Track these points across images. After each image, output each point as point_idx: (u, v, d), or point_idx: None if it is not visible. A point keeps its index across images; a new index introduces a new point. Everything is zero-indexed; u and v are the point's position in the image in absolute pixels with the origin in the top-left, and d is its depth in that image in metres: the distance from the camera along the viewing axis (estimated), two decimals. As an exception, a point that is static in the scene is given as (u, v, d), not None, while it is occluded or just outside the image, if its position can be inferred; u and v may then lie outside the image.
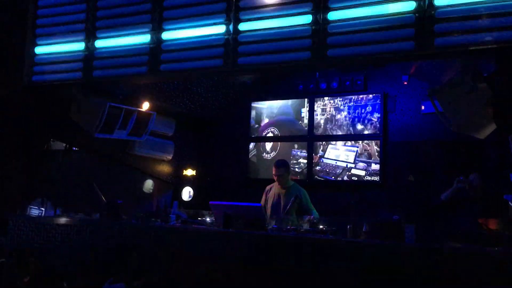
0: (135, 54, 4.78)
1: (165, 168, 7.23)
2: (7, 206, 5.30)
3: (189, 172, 7.42)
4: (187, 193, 7.34)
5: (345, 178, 6.58)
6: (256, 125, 7.32)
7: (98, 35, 4.94)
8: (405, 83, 6.31)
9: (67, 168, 5.95)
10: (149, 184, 7.25)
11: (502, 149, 5.03)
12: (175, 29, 4.61)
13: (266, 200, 5.64)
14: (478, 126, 4.42)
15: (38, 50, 5.27)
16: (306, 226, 4.71)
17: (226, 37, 4.37)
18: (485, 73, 4.13)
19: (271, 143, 7.20)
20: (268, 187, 5.73)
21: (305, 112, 7.00)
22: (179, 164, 7.38)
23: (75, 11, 5.10)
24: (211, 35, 4.44)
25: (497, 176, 5.49)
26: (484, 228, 3.87)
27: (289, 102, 7.13)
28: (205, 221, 4.99)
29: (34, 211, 5.73)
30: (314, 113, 6.91)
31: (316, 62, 4.07)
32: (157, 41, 4.66)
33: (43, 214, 5.74)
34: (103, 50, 4.92)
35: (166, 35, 4.64)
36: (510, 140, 4.40)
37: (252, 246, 3.99)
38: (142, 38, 4.73)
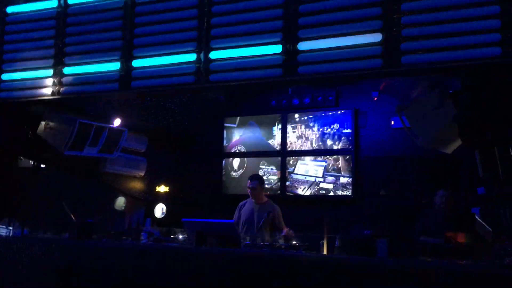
0: (106, 72, 4.75)
1: (137, 185, 7.13)
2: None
3: (162, 188, 7.34)
4: (160, 210, 7.25)
5: (314, 192, 6.62)
6: (226, 144, 7.35)
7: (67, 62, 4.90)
8: (375, 99, 6.43)
9: (36, 186, 5.81)
10: (121, 201, 7.14)
11: (470, 163, 5.14)
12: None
13: (239, 216, 5.61)
14: (444, 141, 4.52)
15: (6, 68, 5.18)
16: (279, 242, 4.71)
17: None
18: (451, 90, 4.24)
19: (238, 160, 7.21)
20: (241, 203, 5.71)
21: (276, 130, 7.05)
22: (151, 180, 7.29)
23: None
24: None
25: (465, 190, 5.62)
26: (453, 241, 3.94)
27: (258, 119, 7.18)
28: (177, 238, 4.93)
29: (2, 231, 5.56)
30: (287, 129, 6.97)
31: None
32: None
33: (10, 234, 5.57)
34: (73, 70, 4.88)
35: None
36: (477, 155, 4.52)
37: (224, 263, 3.96)
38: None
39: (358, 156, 6.53)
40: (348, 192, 6.46)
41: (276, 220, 5.25)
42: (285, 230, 4.99)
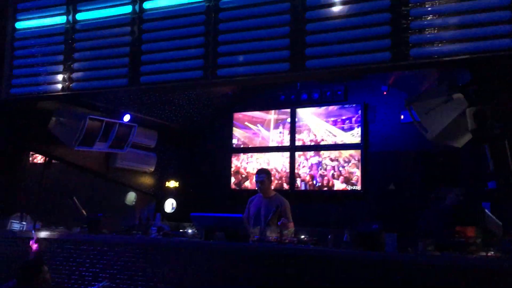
0: (115, 67, 4.78)
1: (147, 180, 7.19)
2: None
3: (172, 184, 7.39)
4: (170, 205, 7.30)
5: (325, 188, 6.62)
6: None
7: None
8: (385, 93, 6.38)
9: (47, 181, 5.87)
10: (131, 196, 7.20)
11: (480, 158, 5.10)
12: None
13: (248, 211, 5.63)
14: (454, 135, 4.48)
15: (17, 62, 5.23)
16: (288, 237, 4.70)
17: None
18: (460, 83, 4.20)
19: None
20: (251, 198, 5.72)
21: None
22: (161, 176, 7.34)
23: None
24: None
25: (475, 185, 5.57)
26: (462, 236, 3.91)
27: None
28: (186, 233, 4.96)
29: (15, 225, 5.63)
30: (295, 123, 6.96)
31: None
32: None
33: (24, 229, 5.64)
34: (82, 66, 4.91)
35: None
36: (487, 149, 4.48)
37: (232, 257, 3.98)
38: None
39: (367, 151, 6.50)
40: (357, 187, 6.44)
41: (283, 214, 5.24)
42: (282, 219, 4.98)
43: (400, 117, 6.33)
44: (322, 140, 6.76)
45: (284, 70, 4.14)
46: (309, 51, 4.07)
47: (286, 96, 7.04)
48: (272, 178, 5.91)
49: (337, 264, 3.74)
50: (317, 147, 6.80)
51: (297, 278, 3.76)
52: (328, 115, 6.76)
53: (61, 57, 4.98)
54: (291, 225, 5.05)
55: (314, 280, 3.72)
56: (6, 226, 5.40)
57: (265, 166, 6.81)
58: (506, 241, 3.72)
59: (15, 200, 5.81)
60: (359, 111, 6.56)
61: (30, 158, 6.33)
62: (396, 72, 5.36)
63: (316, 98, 6.84)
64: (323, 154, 6.72)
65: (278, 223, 4.90)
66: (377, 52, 3.87)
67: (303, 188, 6.80)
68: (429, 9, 3.75)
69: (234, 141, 7.32)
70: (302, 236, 4.65)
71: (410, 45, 3.78)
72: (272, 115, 7.16)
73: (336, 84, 6.72)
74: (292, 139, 6.96)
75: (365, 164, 6.46)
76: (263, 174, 5.50)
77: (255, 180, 5.55)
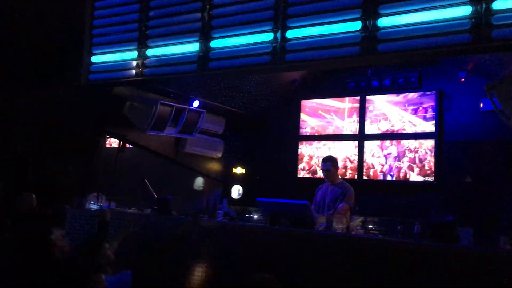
0: (186, 53, 4.87)
1: (214, 166, 7.32)
2: (65, 199, 5.55)
3: (238, 170, 7.47)
4: (236, 191, 7.39)
5: (395, 178, 6.39)
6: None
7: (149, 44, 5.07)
8: (463, 80, 6.03)
9: (121, 164, 6.14)
10: (199, 181, 7.37)
11: None
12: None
13: (315, 199, 5.57)
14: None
15: (95, 51, 5.48)
16: (355, 226, 4.60)
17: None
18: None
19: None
20: (319, 187, 5.66)
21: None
22: (228, 162, 7.44)
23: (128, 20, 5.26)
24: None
25: None
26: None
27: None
28: (252, 218, 4.99)
29: (92, 205, 5.95)
30: (365, 111, 6.76)
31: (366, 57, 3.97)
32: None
33: (99, 208, 5.95)
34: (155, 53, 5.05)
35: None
36: None
37: (298, 244, 3.95)
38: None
39: (442, 141, 6.18)
40: (430, 178, 6.16)
41: (345, 200, 5.12)
42: (340, 204, 4.85)
43: (479, 105, 5.95)
44: (402, 129, 6.49)
45: (355, 54, 4.01)
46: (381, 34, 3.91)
47: (356, 83, 6.84)
48: (340, 166, 5.78)
49: (405, 255, 3.59)
50: (388, 136, 6.57)
51: (361, 267, 3.66)
52: (406, 103, 6.48)
53: (135, 44, 5.15)
54: (347, 210, 4.93)
55: (377, 270, 3.60)
56: (84, 206, 5.71)
57: (335, 155, 6.69)
58: None
59: (92, 181, 6.12)
60: (434, 99, 6.24)
61: (106, 142, 6.64)
62: (475, 57, 5.04)
63: (388, 85, 6.59)
64: (400, 143, 6.46)
65: (336, 206, 4.81)
66: (456, 34, 3.64)
67: (375, 177, 6.60)
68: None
69: (308, 129, 7.23)
70: (370, 226, 4.53)
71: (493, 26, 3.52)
72: (346, 104, 6.99)
73: (410, 70, 6.43)
74: (361, 127, 6.77)
75: (440, 154, 6.15)
76: (329, 162, 5.41)
77: (321, 169, 5.48)
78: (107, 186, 5.98)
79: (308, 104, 7.25)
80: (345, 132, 6.93)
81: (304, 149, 7.22)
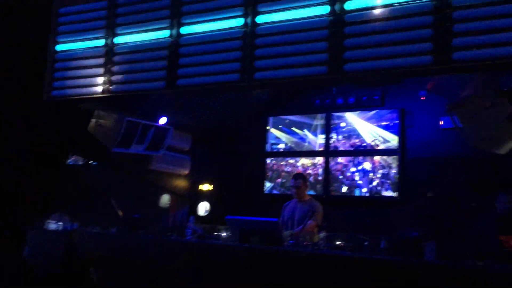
0: (153, 70, 4.86)
1: (181, 183, 7.25)
2: (25, 219, 5.36)
3: (206, 186, 7.42)
4: (203, 208, 7.33)
5: (360, 194, 6.52)
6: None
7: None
8: (423, 98, 6.24)
9: (85, 182, 6.00)
10: (165, 199, 7.28)
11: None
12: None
13: (283, 216, 5.59)
14: (498, 141, 4.34)
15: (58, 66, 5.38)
16: (322, 242, 4.64)
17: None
18: (505, 88, 4.06)
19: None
20: (285, 204, 5.69)
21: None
22: (195, 178, 7.40)
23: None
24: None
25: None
26: (505, 245, 3.76)
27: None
28: (220, 236, 4.96)
29: (52, 225, 5.77)
30: (330, 128, 6.89)
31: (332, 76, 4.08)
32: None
33: (61, 228, 5.78)
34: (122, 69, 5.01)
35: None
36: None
37: (268, 261, 3.96)
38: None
39: (405, 157, 6.36)
40: (394, 194, 6.31)
41: (313, 217, 5.18)
42: (309, 221, 4.94)
43: (439, 122, 6.17)
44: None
45: (322, 73, 4.11)
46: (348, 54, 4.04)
47: (321, 100, 6.97)
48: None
49: (373, 270, 3.65)
50: (352, 152, 6.70)
51: (330, 283, 3.70)
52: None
53: (101, 60, 5.10)
54: (315, 227, 5.00)
55: (348, 285, 3.65)
56: (45, 226, 5.53)
57: (303, 171, 6.76)
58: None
59: (54, 201, 5.94)
60: (397, 116, 6.43)
61: (70, 159, 6.48)
62: (435, 77, 5.24)
63: (352, 102, 6.74)
64: (370, 159, 6.59)
65: (305, 223, 4.86)
66: (419, 55, 3.80)
67: (340, 193, 6.71)
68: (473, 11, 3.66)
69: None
70: (338, 242, 4.59)
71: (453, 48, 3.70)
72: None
73: (373, 89, 6.61)
74: (327, 143, 6.89)
75: (403, 170, 6.32)
76: (300, 180, 5.46)
77: (291, 185, 5.51)
78: (71, 205, 5.82)
79: (281, 121, 7.31)
80: (317, 148, 7.02)
81: (272, 165, 7.26)
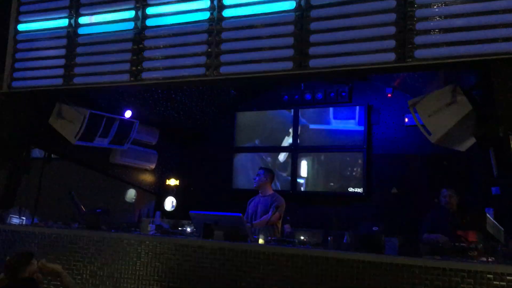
0: (118, 61, 4.76)
1: (147, 178, 7.15)
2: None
3: (172, 182, 7.34)
4: (170, 203, 7.25)
5: (326, 189, 6.57)
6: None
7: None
8: (389, 95, 6.33)
9: (47, 176, 5.84)
10: (131, 193, 7.17)
11: (484, 162, 5.04)
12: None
13: (248, 211, 5.59)
14: (458, 138, 4.43)
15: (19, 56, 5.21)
16: (286, 237, 4.66)
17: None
18: (465, 86, 4.15)
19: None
20: (251, 199, 5.69)
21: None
22: (162, 173, 7.30)
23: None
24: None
25: (479, 190, 5.50)
26: (463, 240, 3.85)
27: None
28: (185, 231, 4.91)
29: (14, 220, 5.61)
30: (298, 124, 6.91)
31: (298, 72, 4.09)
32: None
33: (23, 223, 5.62)
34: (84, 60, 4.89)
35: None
36: (491, 153, 4.42)
37: (231, 256, 3.94)
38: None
39: (370, 153, 6.44)
40: (359, 190, 6.38)
41: (279, 209, 5.20)
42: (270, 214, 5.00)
43: (404, 120, 6.26)
44: (332, 141, 6.67)
45: (288, 68, 4.11)
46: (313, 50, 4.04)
47: (290, 96, 6.97)
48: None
49: (335, 265, 3.68)
50: (319, 148, 6.74)
51: (295, 278, 3.71)
52: (338, 116, 6.66)
53: (63, 51, 4.97)
54: (278, 218, 5.06)
55: (311, 280, 3.67)
56: (5, 220, 5.37)
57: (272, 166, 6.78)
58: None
59: (15, 195, 5.78)
60: (363, 113, 6.50)
61: (31, 153, 6.30)
62: (401, 74, 5.32)
63: (320, 98, 6.77)
64: (328, 155, 6.64)
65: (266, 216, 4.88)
66: (382, 52, 3.84)
67: (304, 189, 6.75)
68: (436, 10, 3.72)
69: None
70: (302, 237, 4.62)
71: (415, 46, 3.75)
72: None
73: (341, 85, 6.66)
74: (295, 139, 6.91)
75: (368, 166, 6.40)
76: (262, 170, 5.52)
77: (255, 176, 5.55)
78: (32, 199, 5.66)
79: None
80: (284, 144, 7.03)
81: (240, 160, 7.24)
